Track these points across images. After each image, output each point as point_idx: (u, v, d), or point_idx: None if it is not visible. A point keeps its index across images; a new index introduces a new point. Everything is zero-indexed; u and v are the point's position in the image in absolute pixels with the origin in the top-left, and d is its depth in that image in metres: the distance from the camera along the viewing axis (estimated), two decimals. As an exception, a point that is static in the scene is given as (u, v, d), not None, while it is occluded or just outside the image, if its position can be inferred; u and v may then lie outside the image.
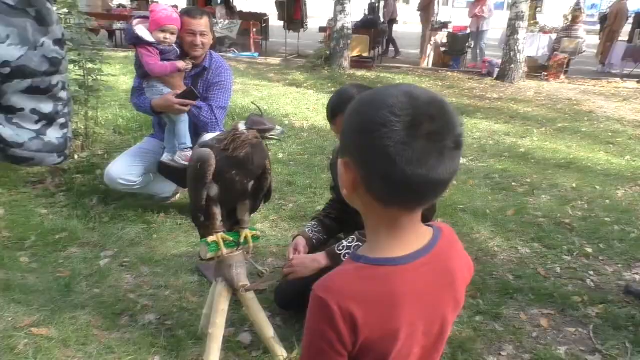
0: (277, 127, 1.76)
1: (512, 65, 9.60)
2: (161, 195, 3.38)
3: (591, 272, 2.96)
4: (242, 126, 1.72)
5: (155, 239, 2.97)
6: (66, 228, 2.98)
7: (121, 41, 10.78)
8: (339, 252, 1.89)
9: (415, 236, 0.90)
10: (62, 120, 0.84)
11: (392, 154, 0.77)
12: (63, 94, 0.83)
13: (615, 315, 2.53)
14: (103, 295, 2.40)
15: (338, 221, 2.24)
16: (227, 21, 11.08)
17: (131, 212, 3.22)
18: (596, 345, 2.31)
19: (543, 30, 12.15)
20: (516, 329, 2.40)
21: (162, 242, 2.93)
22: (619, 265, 3.06)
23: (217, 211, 1.89)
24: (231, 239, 1.93)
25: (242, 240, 1.96)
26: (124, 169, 3.05)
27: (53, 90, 0.81)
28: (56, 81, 0.81)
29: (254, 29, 11.34)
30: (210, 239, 1.89)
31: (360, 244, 1.89)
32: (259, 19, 11.93)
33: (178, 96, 2.85)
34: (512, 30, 9.53)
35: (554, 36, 11.36)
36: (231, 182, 1.76)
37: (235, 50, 11.12)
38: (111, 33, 11.16)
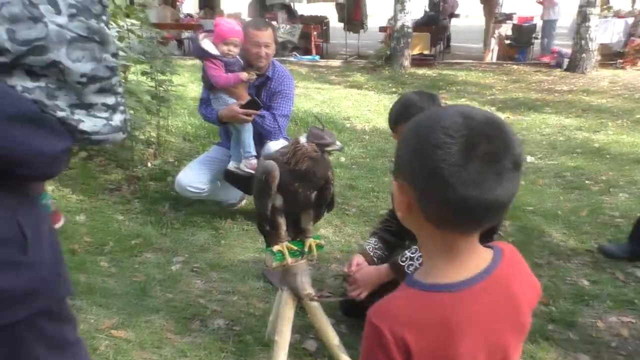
0: (337, 142, 1.77)
1: (584, 55, 9.12)
2: (228, 202, 3.50)
3: (676, 277, 2.78)
4: (303, 139, 1.75)
5: (223, 245, 3.07)
6: (141, 234, 3.14)
7: (189, 49, 11.19)
8: (402, 264, 1.88)
9: (473, 260, 0.87)
10: (121, 107, 1.15)
11: (447, 176, 0.76)
12: (119, 89, 1.16)
13: None
14: (175, 299, 2.51)
15: (399, 234, 2.22)
16: (288, 26, 11.25)
17: (200, 218, 3.35)
18: (683, 357, 2.16)
19: (618, 15, 11.43)
20: (593, 338, 2.29)
21: (229, 248, 3.03)
22: None
23: (282, 221, 1.93)
24: (296, 248, 1.97)
25: (306, 249, 1.99)
26: (192, 177, 3.18)
27: (113, 88, 1.13)
28: (115, 81, 1.13)
29: (315, 32, 11.44)
30: (276, 248, 1.94)
31: None
32: (320, 22, 12.02)
33: (242, 106, 2.94)
34: (582, 17, 9.06)
35: (630, 20, 10.67)
36: (294, 194, 1.80)
37: (297, 54, 11.27)
38: (180, 42, 11.61)
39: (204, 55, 2.91)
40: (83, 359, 1.29)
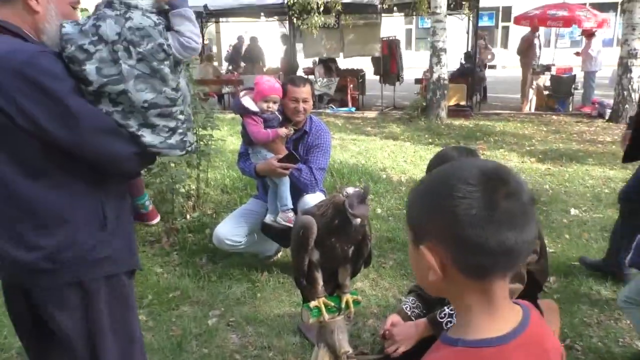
0: (357, 220, 1.73)
1: (626, 105, 8.95)
2: (265, 254, 3.51)
3: None
4: (349, 190, 1.75)
5: (259, 298, 3.05)
6: (179, 287, 3.17)
7: (229, 104, 11.58)
8: (440, 320, 1.82)
9: (510, 314, 0.87)
10: (180, 130, 1.52)
11: (480, 221, 0.78)
12: (180, 116, 1.52)
13: None
14: (211, 355, 2.50)
15: None
16: (325, 79, 11.53)
17: (237, 270, 3.36)
18: None
19: (660, 65, 11.27)
20: (651, 406, 2.13)
21: (265, 302, 3.01)
22: None
23: (319, 275, 1.91)
24: (332, 304, 1.94)
25: (343, 305, 1.96)
26: (230, 230, 3.22)
27: (173, 114, 1.50)
28: (175, 110, 1.50)
29: (351, 85, 11.67)
30: (312, 304, 1.92)
31: None
32: (356, 74, 12.28)
33: (280, 160, 3.00)
34: (624, 68, 8.95)
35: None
36: (331, 248, 1.79)
37: (334, 106, 11.48)
38: (220, 97, 12.04)
39: (244, 111, 3.00)
40: (137, 323, 1.69)
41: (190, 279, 3.25)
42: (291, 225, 2.94)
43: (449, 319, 1.81)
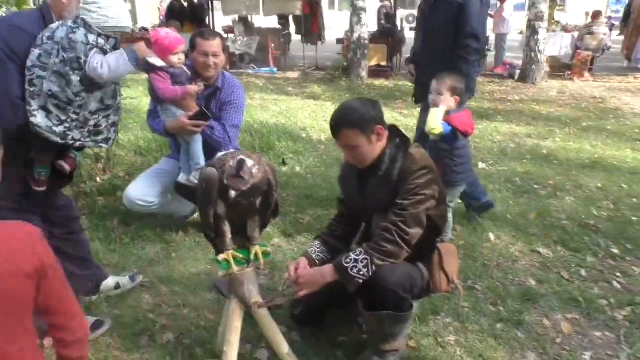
0: (232, 192, 1.75)
1: (534, 66, 9.47)
2: (180, 214, 3.43)
3: (618, 274, 2.88)
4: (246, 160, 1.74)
5: (174, 258, 3.01)
6: (89, 251, 3.04)
7: (144, 64, 11.03)
8: (346, 265, 1.88)
9: None
10: (67, 125, 1.94)
11: None
12: (72, 115, 1.96)
13: (644, 318, 2.45)
14: (123, 316, 2.44)
15: (344, 239, 2.23)
16: (245, 38, 11.24)
17: (151, 232, 3.27)
18: (624, 349, 2.23)
19: (565, 29, 11.95)
20: (539, 335, 2.34)
21: (180, 261, 2.97)
22: (648, 266, 2.97)
23: (226, 229, 1.91)
24: (241, 256, 1.95)
25: (252, 257, 1.97)
26: (142, 191, 3.11)
27: (67, 110, 1.94)
28: (69, 108, 1.94)
29: (272, 45, 11.47)
30: (221, 257, 1.91)
31: (368, 257, 1.87)
32: (277, 34, 12.07)
33: (190, 117, 2.90)
34: (532, 30, 9.41)
35: (576, 34, 11.16)
36: (236, 201, 1.78)
37: (255, 66, 11.26)
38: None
39: (149, 68, 2.86)
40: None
41: (101, 242, 3.13)
42: None
43: (354, 264, 1.87)
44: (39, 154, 2.09)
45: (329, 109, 7.15)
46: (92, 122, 2.01)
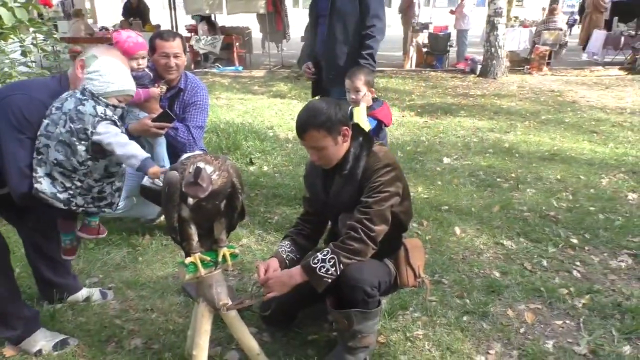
0: (189, 199, 1.72)
1: (494, 61, 9.68)
2: (146, 217, 3.38)
3: (577, 263, 2.98)
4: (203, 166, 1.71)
5: (140, 262, 2.96)
6: (51, 257, 2.96)
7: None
8: (314, 266, 1.89)
9: None
10: (70, 192, 2.01)
11: None
12: (77, 183, 2.02)
13: (602, 305, 2.55)
14: (89, 323, 2.39)
15: (311, 237, 2.25)
16: (209, 37, 11.11)
17: (116, 236, 3.21)
18: (584, 336, 2.32)
19: (523, 24, 12.26)
20: (504, 326, 2.40)
21: (147, 265, 2.93)
22: (605, 254, 3.08)
23: (192, 231, 1.89)
24: (209, 258, 1.93)
25: (220, 259, 1.96)
26: None
27: (72, 178, 2.00)
28: (74, 176, 1.99)
29: (237, 43, 11.37)
30: (188, 260, 1.89)
31: (335, 257, 1.89)
32: (241, 32, 11.98)
33: (154, 120, 2.86)
34: (491, 26, 9.61)
35: (534, 29, 11.47)
36: (200, 203, 1.76)
37: (220, 65, 11.15)
38: (94, 57, 11.15)
39: None
40: None
41: (64, 249, 3.05)
42: None
43: (322, 264, 1.89)
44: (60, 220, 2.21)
45: (296, 107, 7.15)
46: (96, 189, 2.05)
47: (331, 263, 1.88)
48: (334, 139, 1.96)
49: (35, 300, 2.54)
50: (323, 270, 1.88)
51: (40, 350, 2.17)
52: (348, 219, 1.95)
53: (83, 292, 2.56)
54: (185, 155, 2.96)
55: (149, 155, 2.05)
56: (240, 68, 11.12)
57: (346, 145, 2.02)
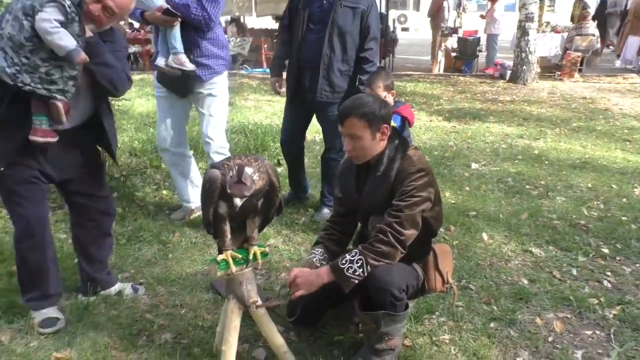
0: (237, 201, 1.77)
1: (524, 67, 9.55)
2: (184, 203, 3.52)
3: (608, 273, 2.93)
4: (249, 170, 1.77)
5: (170, 259, 3.03)
6: (85, 251, 3.05)
7: (136, 64, 11.01)
8: (342, 267, 1.91)
9: None
10: (17, 67, 2.01)
11: None
12: (23, 59, 2.02)
13: (634, 316, 2.50)
14: (121, 316, 2.46)
15: (342, 241, 2.28)
16: (238, 39, 11.25)
17: (147, 233, 3.29)
18: (614, 347, 2.28)
19: (555, 30, 12.07)
20: (532, 334, 2.38)
21: (177, 262, 2.99)
22: (637, 265, 3.03)
23: (226, 229, 1.93)
24: (240, 256, 1.97)
25: (251, 257, 2.00)
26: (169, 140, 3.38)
27: (18, 53, 2.02)
28: (21, 52, 2.01)
29: (265, 45, 11.48)
30: (220, 257, 1.94)
31: (363, 258, 1.91)
32: (270, 34, 12.08)
33: (162, 14, 2.99)
34: (522, 31, 9.49)
35: (565, 35, 11.28)
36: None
37: (248, 67, 11.27)
38: (127, 57, 11.40)
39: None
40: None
41: (98, 243, 3.14)
42: (183, 68, 3.04)
43: (349, 265, 1.91)
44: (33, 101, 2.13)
45: (323, 109, 7.17)
46: (43, 69, 2.04)
47: (359, 264, 1.90)
48: (372, 133, 2.00)
49: (72, 292, 2.63)
50: (350, 271, 1.90)
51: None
52: (378, 222, 1.97)
53: (116, 287, 2.64)
54: (223, 158, 3.06)
55: (76, 45, 2.02)
56: (268, 70, 11.20)
57: (383, 144, 2.05)
